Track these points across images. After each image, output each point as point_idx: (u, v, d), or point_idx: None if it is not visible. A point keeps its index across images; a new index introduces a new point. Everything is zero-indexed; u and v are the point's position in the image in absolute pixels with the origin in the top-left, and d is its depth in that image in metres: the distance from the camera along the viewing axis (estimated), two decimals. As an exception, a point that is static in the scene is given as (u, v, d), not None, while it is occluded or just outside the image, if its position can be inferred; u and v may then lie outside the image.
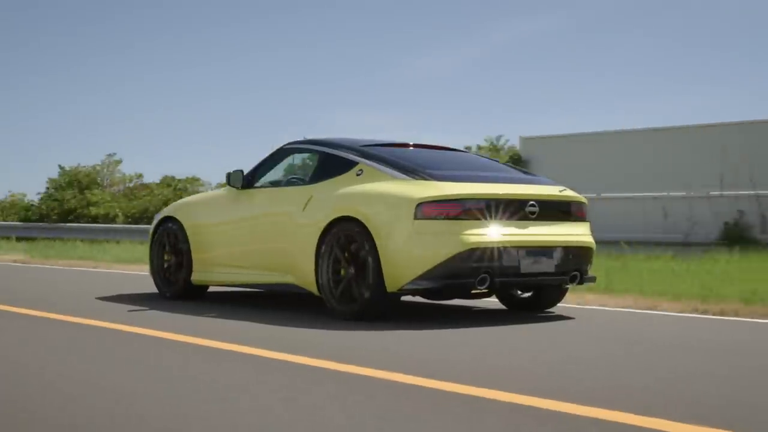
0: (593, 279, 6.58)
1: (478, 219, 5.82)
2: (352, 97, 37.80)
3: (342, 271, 6.10)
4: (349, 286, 6.05)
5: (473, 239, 5.73)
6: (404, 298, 6.63)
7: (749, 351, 4.96)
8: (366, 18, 36.96)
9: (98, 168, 27.59)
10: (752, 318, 6.37)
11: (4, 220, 26.50)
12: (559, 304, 6.86)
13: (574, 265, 6.21)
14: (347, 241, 6.06)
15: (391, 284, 5.82)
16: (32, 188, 40.31)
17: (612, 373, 4.10)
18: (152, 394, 3.55)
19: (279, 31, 38.31)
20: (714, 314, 6.59)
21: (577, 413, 3.18)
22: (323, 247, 6.18)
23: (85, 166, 27.20)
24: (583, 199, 6.54)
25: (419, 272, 5.73)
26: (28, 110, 40.84)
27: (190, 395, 3.54)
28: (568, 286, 6.50)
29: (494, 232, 5.82)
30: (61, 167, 26.98)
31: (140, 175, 29.05)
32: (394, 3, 36.75)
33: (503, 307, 6.99)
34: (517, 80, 36.38)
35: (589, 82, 36.09)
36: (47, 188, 26.85)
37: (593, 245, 6.43)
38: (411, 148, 6.93)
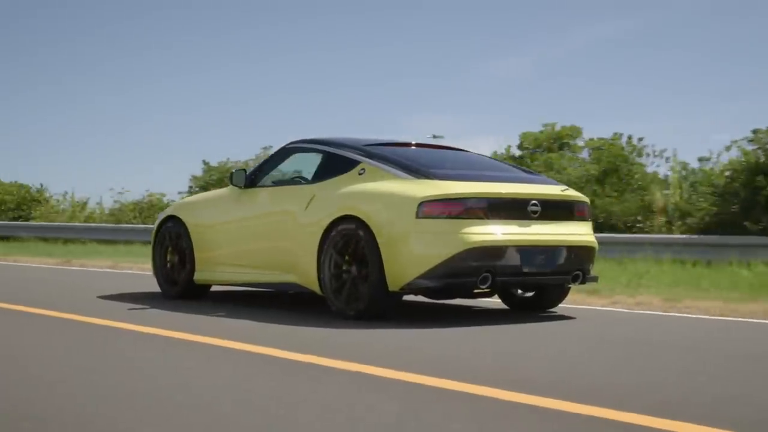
0: (595, 279, 6.58)
1: (480, 218, 5.82)
2: (429, 101, 36.98)
3: (344, 270, 6.10)
4: (351, 285, 6.05)
5: (475, 238, 5.73)
6: (406, 297, 6.63)
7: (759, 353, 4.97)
8: (437, 21, 36.32)
9: (251, 162, 24.63)
10: None
11: (143, 223, 22.78)
12: (561, 305, 6.85)
13: (576, 264, 6.21)
14: (349, 240, 6.07)
15: (393, 283, 5.83)
16: (172, 187, 37.65)
17: (613, 372, 4.11)
18: (153, 394, 3.56)
19: (348, 34, 37.70)
20: None
21: (578, 411, 3.18)
22: (325, 246, 6.18)
23: (236, 161, 23.21)
24: (585, 199, 6.54)
25: (421, 271, 5.74)
26: (163, 107, 39.31)
27: (192, 394, 3.54)
28: (570, 285, 6.50)
29: (496, 232, 5.83)
30: (205, 163, 23.68)
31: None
32: (466, 6, 36.08)
33: (505, 306, 6.99)
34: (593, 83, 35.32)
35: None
36: (190, 187, 23.16)
37: (595, 245, 6.43)
38: (413, 147, 6.94)
